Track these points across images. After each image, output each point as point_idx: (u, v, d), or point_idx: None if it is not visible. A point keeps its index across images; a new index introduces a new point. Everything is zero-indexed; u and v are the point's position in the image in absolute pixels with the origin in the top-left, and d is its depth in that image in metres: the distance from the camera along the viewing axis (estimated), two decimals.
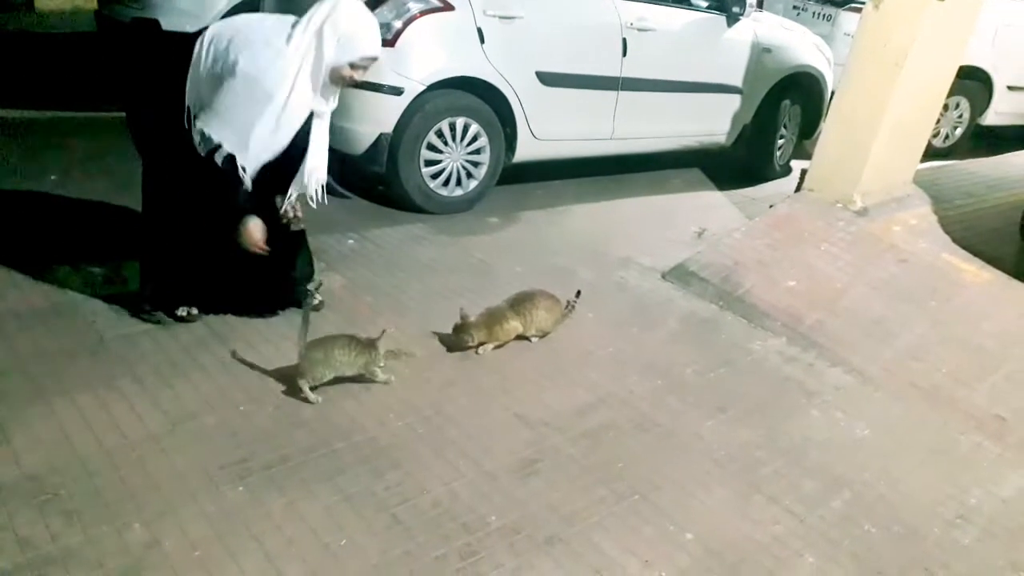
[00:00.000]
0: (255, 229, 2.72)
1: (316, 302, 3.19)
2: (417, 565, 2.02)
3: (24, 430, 2.32)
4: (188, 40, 2.61)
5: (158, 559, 1.94)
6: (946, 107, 6.21)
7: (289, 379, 2.67)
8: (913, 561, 2.25)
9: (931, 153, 5.53)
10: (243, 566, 1.95)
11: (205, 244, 2.88)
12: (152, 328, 2.92)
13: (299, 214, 2.96)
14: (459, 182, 4.50)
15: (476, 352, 3.02)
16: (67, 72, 6.68)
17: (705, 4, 5.23)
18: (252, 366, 2.75)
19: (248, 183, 2.62)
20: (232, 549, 1.99)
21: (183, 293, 3.00)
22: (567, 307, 3.29)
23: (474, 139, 4.41)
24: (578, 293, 3.36)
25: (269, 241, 2.78)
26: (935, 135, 6.49)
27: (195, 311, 3.01)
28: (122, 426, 2.39)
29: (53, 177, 4.24)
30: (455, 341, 3.02)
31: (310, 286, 3.09)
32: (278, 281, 3.14)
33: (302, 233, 3.10)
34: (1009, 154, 6.39)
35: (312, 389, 2.61)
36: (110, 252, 3.39)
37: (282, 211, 2.90)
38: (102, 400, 2.49)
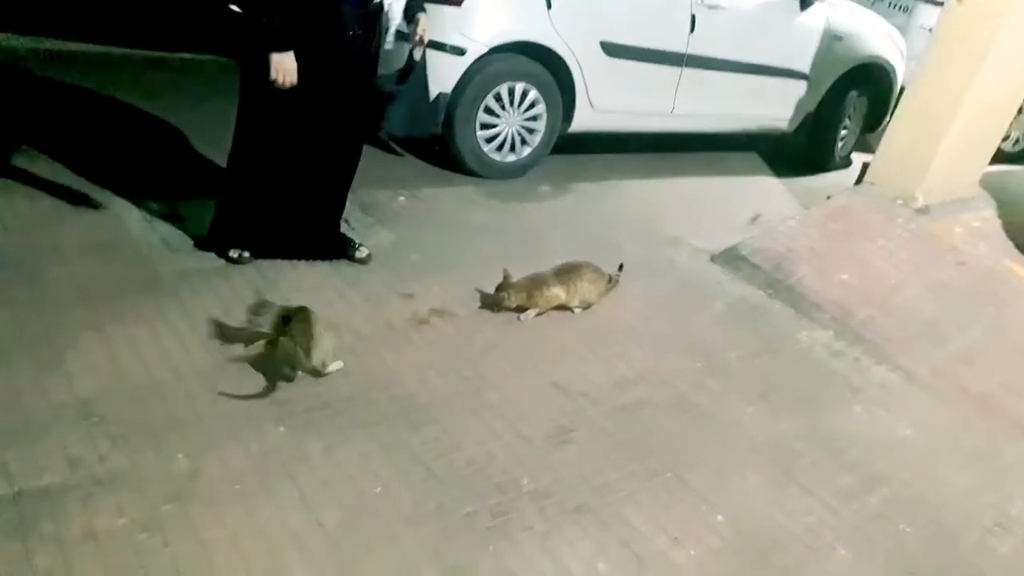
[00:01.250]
0: (286, 59, 2.68)
1: (364, 255, 3.22)
2: (449, 519, 2.04)
3: (79, 355, 2.39)
4: None
5: (199, 489, 2.00)
6: (1020, 110, 5.98)
7: (336, 327, 2.70)
8: (947, 565, 2.22)
9: (1000, 157, 5.34)
10: (280, 503, 2.00)
11: (282, 182, 2.96)
12: (205, 267, 2.97)
13: (424, 35, 3.08)
14: (513, 148, 4.48)
15: (518, 318, 3.03)
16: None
17: None
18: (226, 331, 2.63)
19: None
20: (270, 486, 2.04)
21: (239, 233, 3.04)
22: (610, 281, 3.27)
23: (531, 105, 4.38)
24: (620, 266, 3.34)
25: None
26: (1005, 138, 6.26)
27: (247, 254, 3.05)
28: (172, 359, 2.45)
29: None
30: (495, 299, 3.02)
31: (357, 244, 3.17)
32: (331, 228, 3.19)
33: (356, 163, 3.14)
34: None
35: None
36: (170, 189, 3.46)
37: (418, 35, 3.03)
38: (154, 333, 2.55)
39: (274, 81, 2.68)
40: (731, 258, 3.85)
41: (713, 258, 3.88)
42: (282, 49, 2.67)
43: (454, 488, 2.15)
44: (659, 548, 2.08)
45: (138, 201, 3.34)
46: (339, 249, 3.19)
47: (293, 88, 2.71)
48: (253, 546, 1.87)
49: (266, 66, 2.67)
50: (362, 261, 3.20)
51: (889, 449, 2.67)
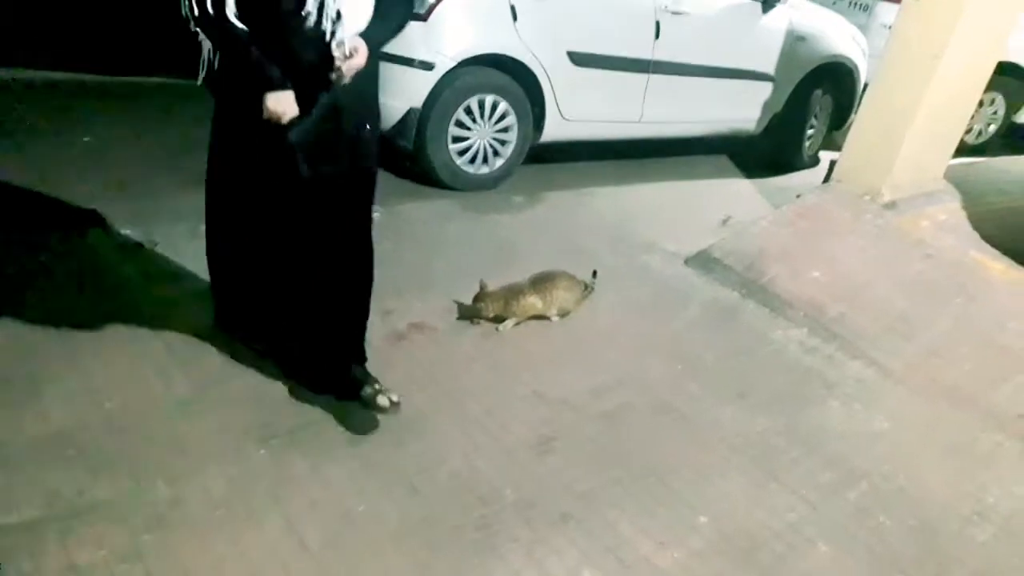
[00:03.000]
0: (278, 99, 2.10)
1: None
2: (434, 534, 2.05)
3: (55, 386, 2.37)
4: None
5: (181, 517, 1.99)
6: (981, 103, 6.08)
7: None
8: (927, 555, 2.25)
9: (963, 149, 5.45)
10: (264, 528, 1.99)
11: (267, 263, 2.45)
12: (183, 296, 2.94)
13: (354, 60, 2.13)
14: (485, 160, 4.50)
15: (497, 329, 3.04)
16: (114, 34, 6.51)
17: None
18: None
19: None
20: (254, 510, 2.03)
21: (235, 321, 2.68)
22: (586, 288, 3.29)
23: (502, 117, 4.41)
24: (594, 273, 3.37)
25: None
26: (968, 131, 6.36)
27: (257, 347, 2.65)
28: (150, 387, 2.43)
29: (86, 139, 4.29)
30: (472, 310, 3.04)
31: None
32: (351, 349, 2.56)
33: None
34: None
35: None
36: (142, 215, 3.43)
37: (337, 60, 2.12)
38: (132, 361, 2.53)
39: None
40: (704, 260, 3.89)
41: (687, 261, 3.92)
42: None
43: (438, 503, 2.15)
44: (644, 553, 2.09)
45: (112, 229, 3.31)
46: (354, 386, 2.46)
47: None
48: (237, 571, 1.86)
49: (244, 104, 2.17)
50: None
51: (867, 443, 2.71)
